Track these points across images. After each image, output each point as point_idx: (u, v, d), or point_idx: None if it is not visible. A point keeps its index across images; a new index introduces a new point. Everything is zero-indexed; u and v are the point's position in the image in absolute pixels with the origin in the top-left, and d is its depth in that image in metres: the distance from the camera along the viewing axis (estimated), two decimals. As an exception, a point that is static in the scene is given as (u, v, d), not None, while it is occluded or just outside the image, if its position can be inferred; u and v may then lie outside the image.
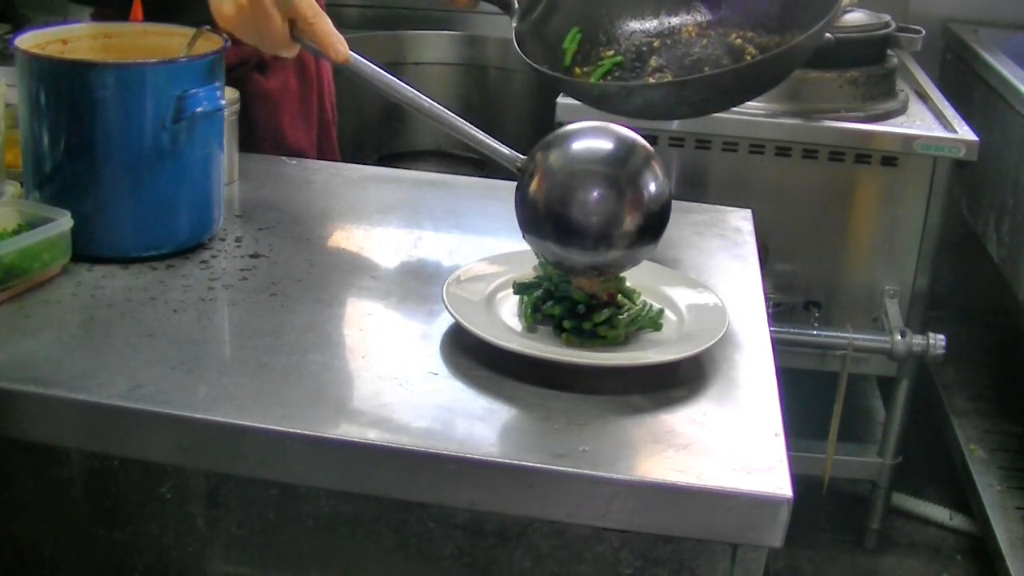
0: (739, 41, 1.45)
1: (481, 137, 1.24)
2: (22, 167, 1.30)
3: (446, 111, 1.24)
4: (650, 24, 1.51)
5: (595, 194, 1.12)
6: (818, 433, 2.28)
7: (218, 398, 1.04)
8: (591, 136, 1.16)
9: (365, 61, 1.25)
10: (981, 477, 2.51)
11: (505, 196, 1.60)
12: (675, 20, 1.50)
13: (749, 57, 1.42)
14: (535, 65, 1.39)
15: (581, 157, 1.15)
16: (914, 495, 2.64)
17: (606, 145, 1.15)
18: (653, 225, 1.15)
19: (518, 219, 1.17)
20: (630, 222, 1.13)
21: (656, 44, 1.49)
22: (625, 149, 1.15)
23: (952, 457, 2.68)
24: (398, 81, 1.25)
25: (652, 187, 1.13)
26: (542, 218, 1.14)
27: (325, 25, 1.23)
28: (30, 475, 1.11)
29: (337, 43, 1.23)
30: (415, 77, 2.91)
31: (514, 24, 1.45)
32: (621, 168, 1.14)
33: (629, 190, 1.13)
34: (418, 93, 1.24)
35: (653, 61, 1.46)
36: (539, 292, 1.19)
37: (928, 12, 2.94)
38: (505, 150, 1.22)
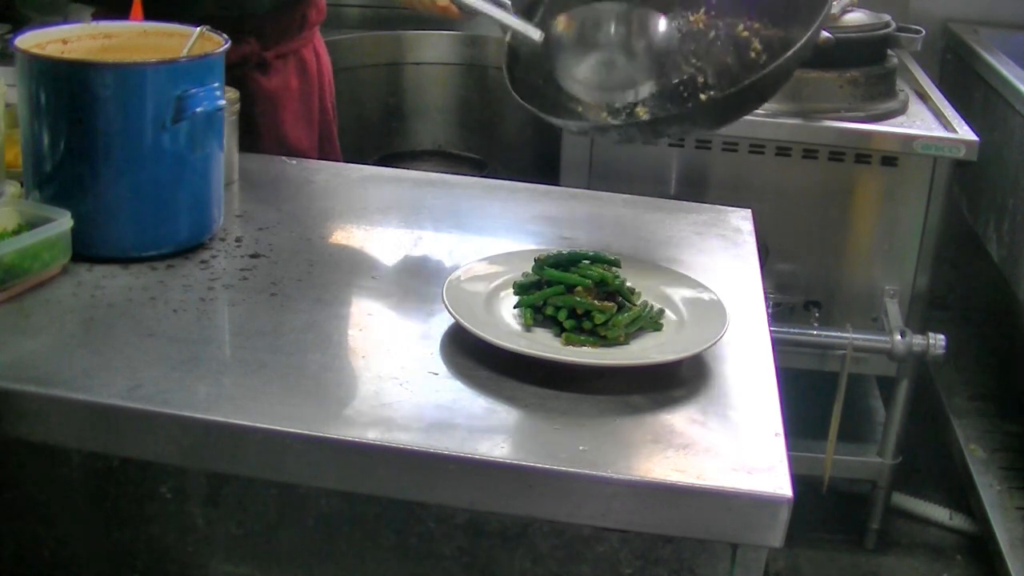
0: (745, 33, 1.44)
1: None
2: (22, 167, 1.30)
3: None
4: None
5: None
6: (818, 433, 2.28)
7: (218, 398, 1.04)
8: None
9: None
10: (981, 477, 2.50)
11: (505, 196, 1.61)
12: (688, 14, 1.49)
13: (754, 54, 1.41)
14: (523, 102, 1.36)
15: None
16: (914, 495, 2.64)
17: None
18: None
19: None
20: None
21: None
22: None
23: (952, 457, 2.68)
24: None
25: None
26: None
27: None
28: (30, 475, 1.11)
29: None
30: (415, 77, 2.91)
31: (507, 39, 1.41)
32: None
33: None
34: None
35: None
36: (538, 294, 1.19)
37: (928, 12, 2.94)
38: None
